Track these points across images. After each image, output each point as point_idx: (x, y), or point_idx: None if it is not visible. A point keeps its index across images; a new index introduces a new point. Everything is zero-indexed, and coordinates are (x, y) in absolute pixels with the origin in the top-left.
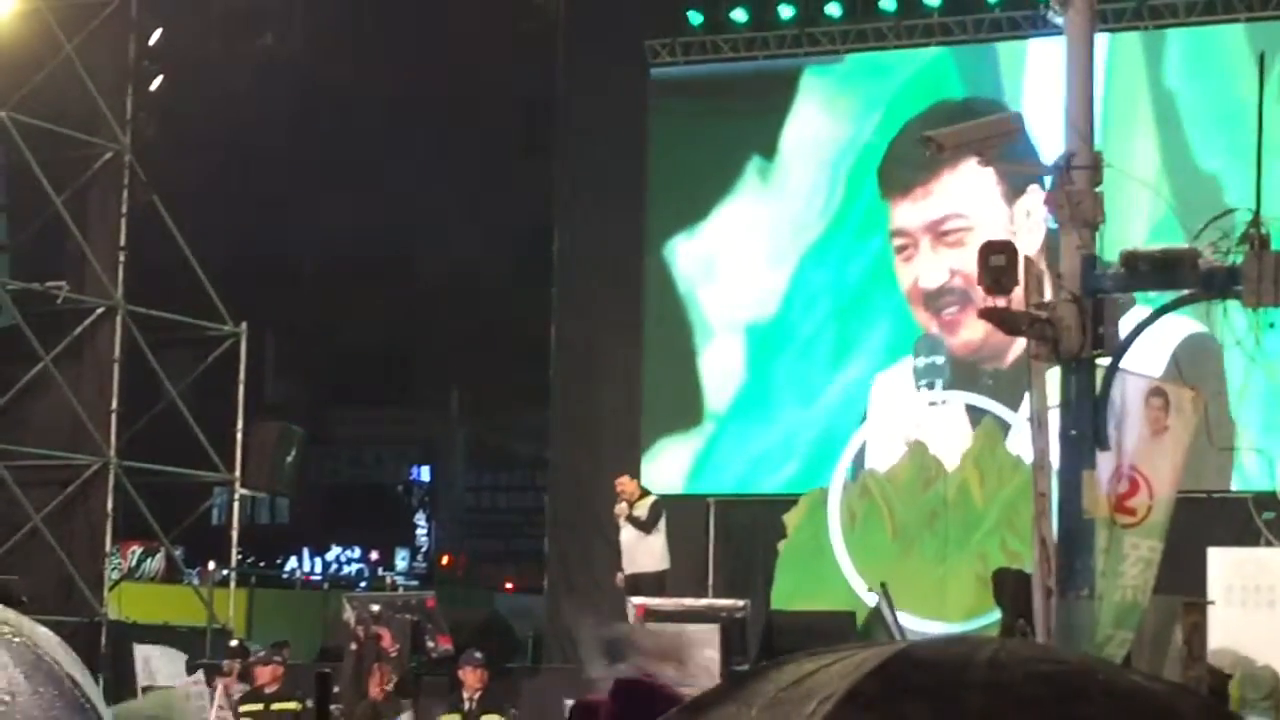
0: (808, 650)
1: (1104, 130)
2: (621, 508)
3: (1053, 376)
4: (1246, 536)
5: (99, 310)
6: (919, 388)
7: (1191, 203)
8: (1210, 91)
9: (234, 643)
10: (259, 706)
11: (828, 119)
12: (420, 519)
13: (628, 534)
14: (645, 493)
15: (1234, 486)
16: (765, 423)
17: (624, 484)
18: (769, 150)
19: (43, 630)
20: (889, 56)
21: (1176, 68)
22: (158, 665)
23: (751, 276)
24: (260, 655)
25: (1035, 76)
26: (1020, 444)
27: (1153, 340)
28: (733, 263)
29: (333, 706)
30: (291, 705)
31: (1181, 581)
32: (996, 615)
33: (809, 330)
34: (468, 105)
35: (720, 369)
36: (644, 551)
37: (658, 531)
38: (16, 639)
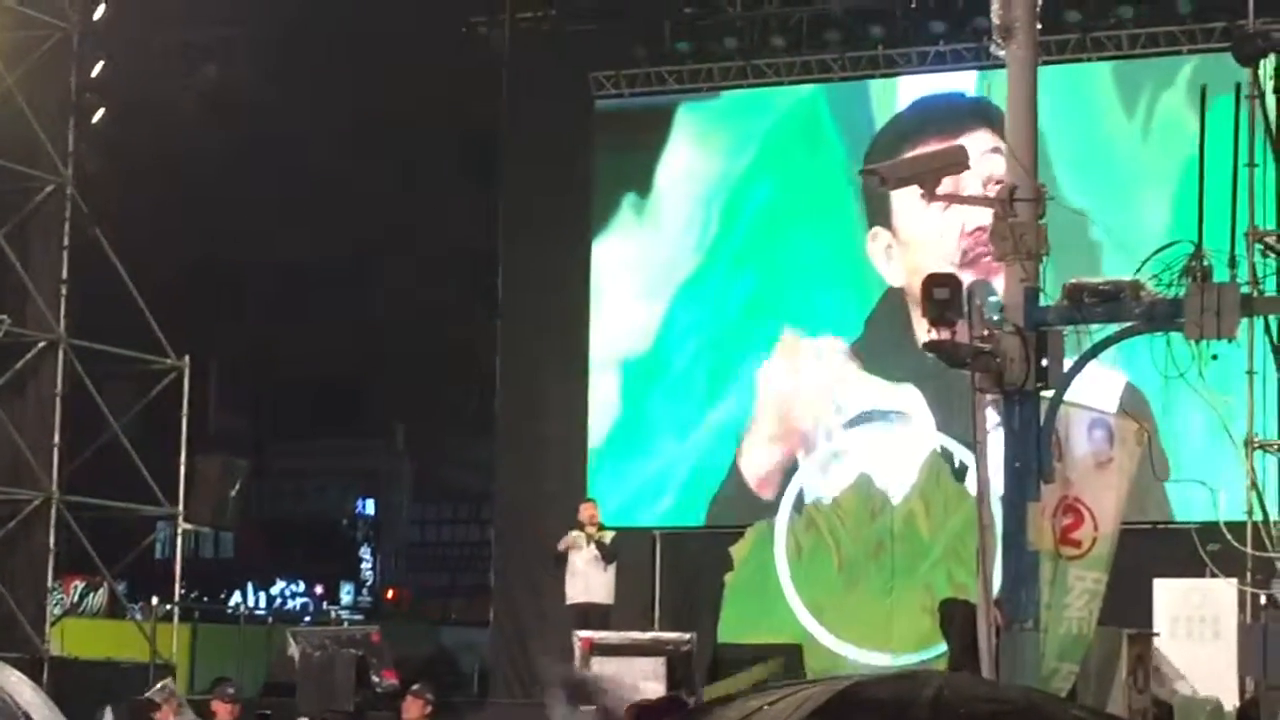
0: (754, 685)
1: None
2: (588, 532)
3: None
4: (1192, 568)
5: (41, 344)
6: None
7: (1059, 240)
8: (1076, 129)
9: (162, 685)
10: None
11: (701, 155)
12: (365, 552)
13: (585, 561)
14: (603, 526)
15: (1178, 518)
16: (641, 456)
17: (591, 510)
18: (644, 186)
19: (13, 675)
20: (763, 93)
21: (1045, 106)
22: None
23: (626, 311)
24: (228, 693)
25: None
26: (967, 476)
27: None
28: (607, 297)
29: None
30: None
31: (1128, 613)
32: (943, 647)
33: (682, 365)
34: (413, 136)
35: (598, 402)
36: (601, 582)
37: (613, 565)
38: None
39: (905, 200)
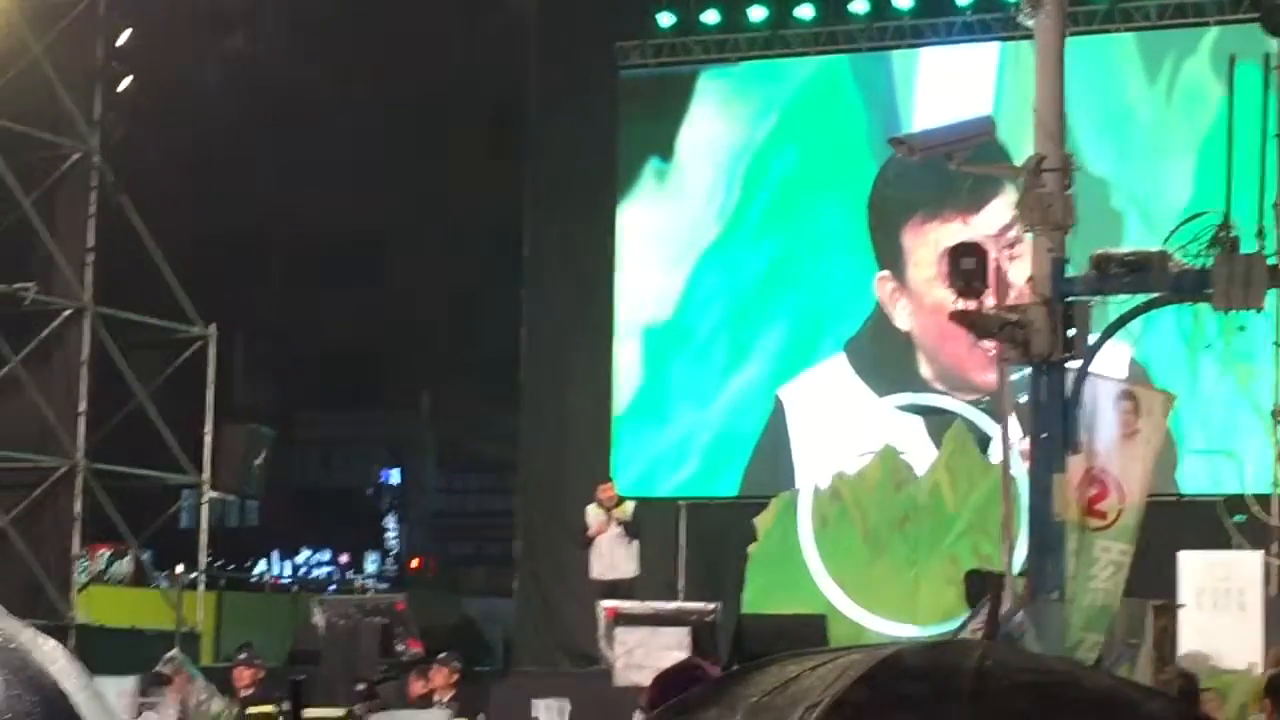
0: (791, 651)
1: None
2: (610, 513)
3: None
4: (1217, 539)
5: (67, 312)
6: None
7: (1080, 208)
8: (1098, 97)
9: (169, 656)
10: (235, 710)
11: (723, 122)
12: (390, 522)
13: (609, 539)
14: (622, 499)
15: (1205, 489)
16: (662, 424)
17: (609, 490)
18: (666, 153)
19: (47, 642)
20: (784, 61)
21: (1067, 74)
22: None
23: (647, 279)
24: (241, 658)
25: (928, 84)
26: (992, 447)
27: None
28: (629, 264)
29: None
30: (267, 709)
31: (1152, 584)
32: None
33: (704, 333)
34: (438, 106)
35: (620, 370)
36: (625, 557)
37: (637, 538)
38: (10, 645)
39: (919, 253)
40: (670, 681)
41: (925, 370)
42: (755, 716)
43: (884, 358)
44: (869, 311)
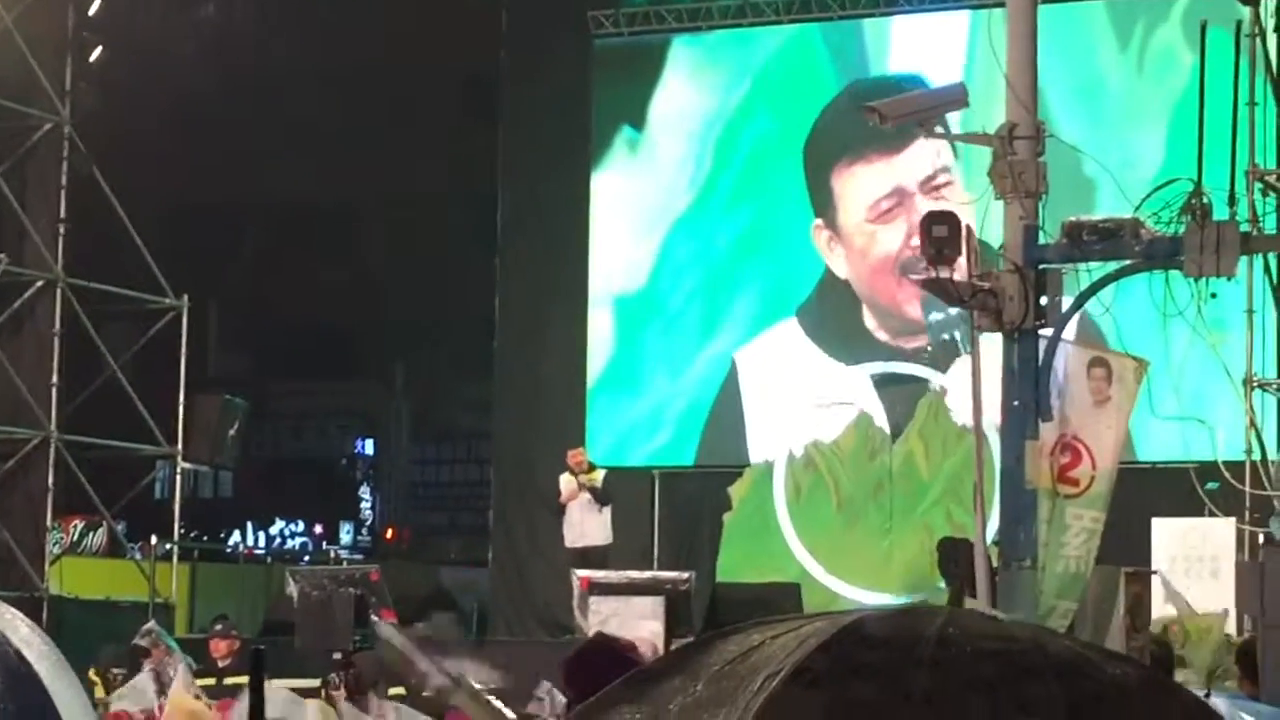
0: (755, 620)
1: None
2: (579, 479)
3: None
4: (1191, 506)
5: (39, 283)
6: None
7: (1052, 176)
8: (1069, 65)
9: (146, 629)
10: (211, 681)
11: (695, 90)
12: (364, 492)
13: (579, 506)
14: (593, 466)
15: (1177, 457)
16: (635, 393)
17: (578, 455)
18: (638, 121)
19: (8, 611)
20: (756, 30)
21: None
22: None
23: (619, 248)
24: (216, 629)
25: (900, 52)
26: (965, 415)
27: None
28: (601, 234)
29: None
30: (243, 679)
31: (1126, 552)
32: (940, 586)
33: (677, 302)
34: (413, 74)
35: (593, 340)
36: (596, 525)
37: (608, 506)
38: None
39: (847, 196)
40: (588, 664)
41: (870, 321)
42: (717, 684)
43: (832, 316)
44: (821, 274)
